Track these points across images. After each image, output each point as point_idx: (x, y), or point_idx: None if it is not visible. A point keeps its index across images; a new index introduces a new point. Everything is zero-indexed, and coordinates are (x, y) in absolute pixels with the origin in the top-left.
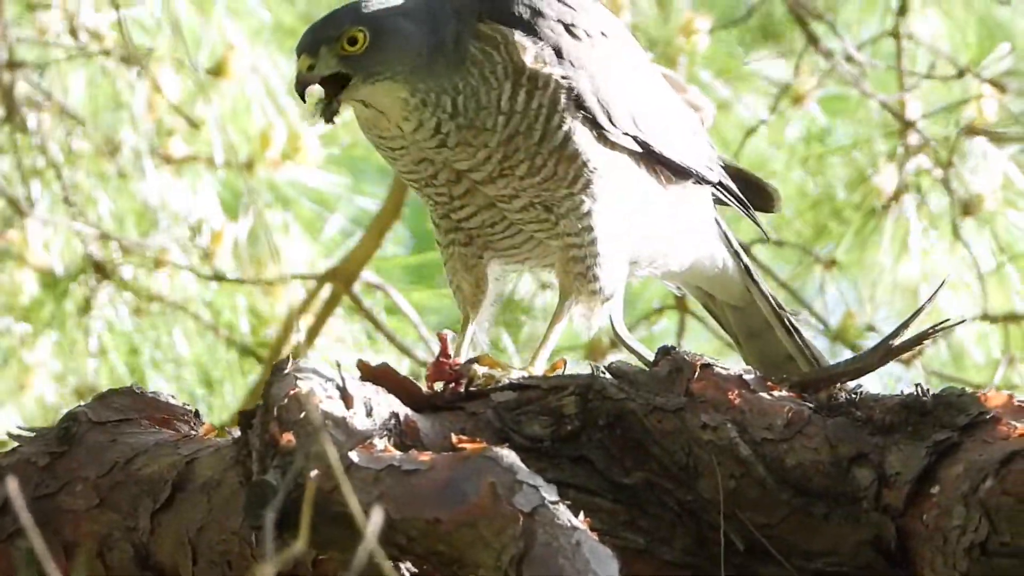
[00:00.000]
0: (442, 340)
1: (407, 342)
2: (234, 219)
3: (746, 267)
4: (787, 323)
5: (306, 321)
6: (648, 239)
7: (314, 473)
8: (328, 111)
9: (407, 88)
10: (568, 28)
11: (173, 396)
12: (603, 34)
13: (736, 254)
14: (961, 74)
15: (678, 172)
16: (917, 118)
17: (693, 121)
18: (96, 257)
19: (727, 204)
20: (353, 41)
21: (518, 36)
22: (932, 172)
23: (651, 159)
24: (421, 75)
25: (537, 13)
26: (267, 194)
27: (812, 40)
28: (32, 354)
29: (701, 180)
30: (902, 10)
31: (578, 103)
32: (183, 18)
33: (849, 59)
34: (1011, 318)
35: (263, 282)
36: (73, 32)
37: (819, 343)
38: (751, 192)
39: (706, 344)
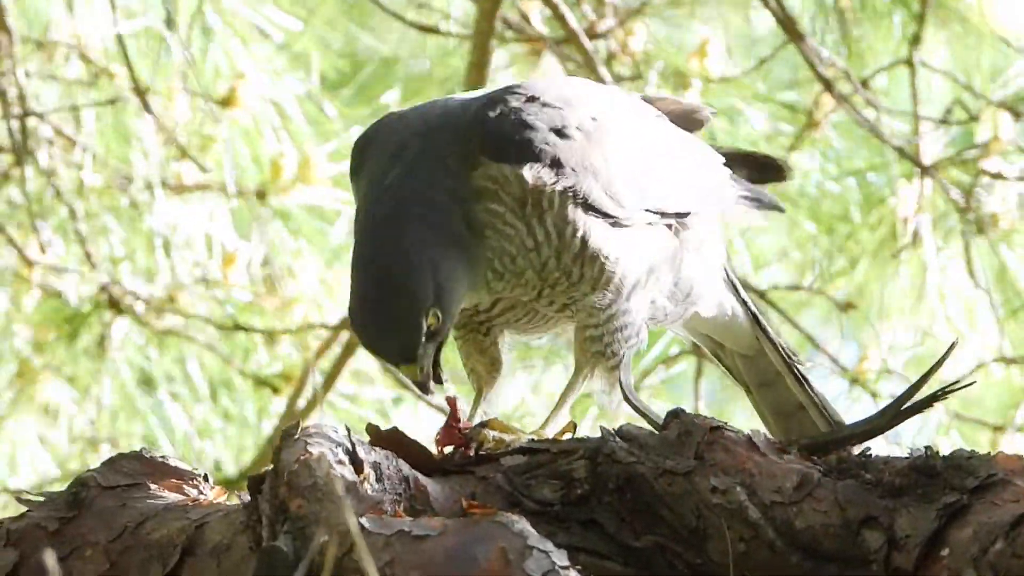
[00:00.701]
0: (451, 403)
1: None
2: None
3: (755, 315)
4: (796, 372)
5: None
6: (666, 300)
7: (324, 539)
8: (438, 378)
9: (469, 296)
10: (560, 132)
11: (185, 446)
12: (593, 119)
13: (744, 303)
14: (974, 118)
15: (690, 216)
16: (932, 162)
17: (697, 152)
18: (111, 292)
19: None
20: (431, 326)
21: (513, 170)
22: (949, 192)
23: (665, 218)
24: (472, 278)
25: (528, 129)
26: (278, 222)
27: (827, 85)
28: (47, 390)
29: (714, 209)
30: (916, 39)
31: (587, 205)
32: (190, 45)
33: (867, 103)
34: None
35: (279, 332)
36: (85, 61)
37: (836, 385)
38: (760, 170)
39: (722, 389)
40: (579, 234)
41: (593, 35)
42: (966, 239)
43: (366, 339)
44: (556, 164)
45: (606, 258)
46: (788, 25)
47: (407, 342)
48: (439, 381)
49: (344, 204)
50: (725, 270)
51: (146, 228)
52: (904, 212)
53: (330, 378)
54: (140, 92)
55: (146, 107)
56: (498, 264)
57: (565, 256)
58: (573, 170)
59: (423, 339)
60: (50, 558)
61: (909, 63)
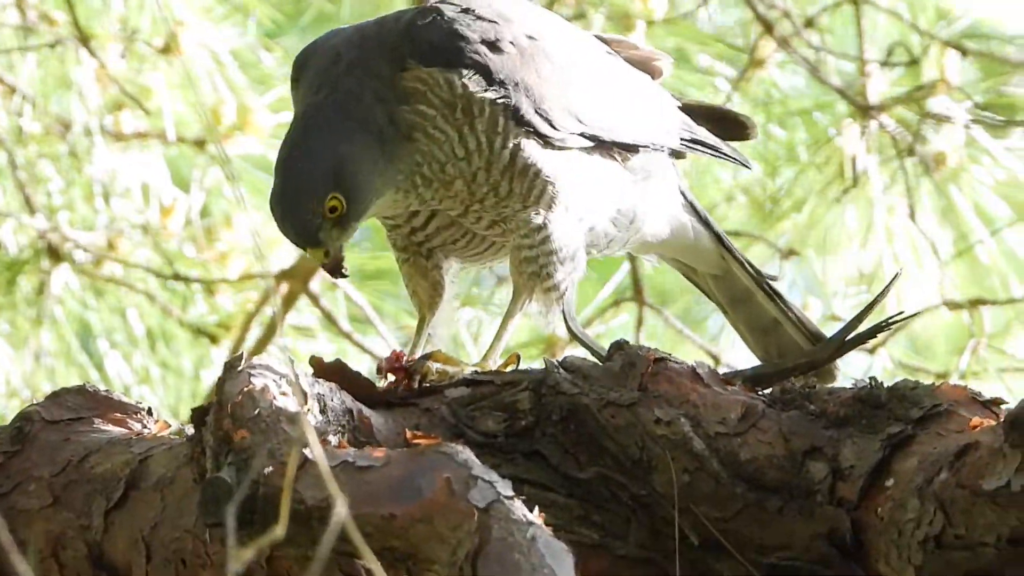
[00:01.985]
0: (396, 354)
1: (366, 340)
2: (186, 193)
3: (718, 235)
4: (766, 288)
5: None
6: (608, 222)
7: (268, 470)
8: (338, 270)
9: (388, 194)
10: (492, 45)
11: (125, 394)
12: (530, 37)
13: (706, 223)
14: (915, 61)
15: (636, 149)
16: (875, 102)
17: (645, 87)
18: (50, 240)
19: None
20: (334, 209)
21: (436, 74)
22: (896, 134)
23: (604, 146)
24: (391, 176)
25: (459, 38)
26: (217, 170)
27: (767, 27)
28: None
29: (663, 148)
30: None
31: (517, 118)
32: None
33: (807, 44)
34: (975, 303)
35: (219, 282)
36: (21, 9)
37: None
38: (723, 125)
39: (664, 337)
40: (508, 147)
41: None
42: (908, 182)
43: (280, 223)
44: (486, 74)
45: (535, 175)
46: None
47: (306, 225)
48: (340, 274)
49: None
50: (683, 194)
51: (85, 176)
52: (850, 151)
53: (269, 330)
54: (84, 38)
55: (90, 52)
56: (427, 170)
57: (495, 169)
58: (503, 83)
59: (323, 223)
60: None
61: (854, 1)
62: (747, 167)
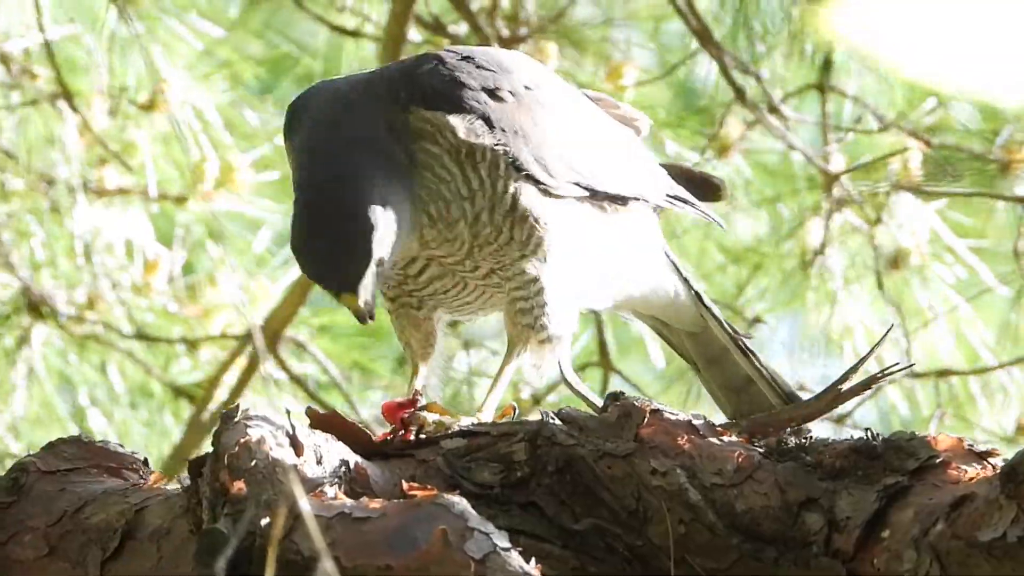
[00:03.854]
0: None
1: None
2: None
3: (697, 294)
4: (742, 346)
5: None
6: (598, 274)
7: (265, 521)
8: (370, 315)
9: (409, 243)
10: (492, 93)
11: (121, 444)
12: (527, 88)
13: (686, 281)
14: (886, 128)
15: (624, 201)
16: (841, 171)
17: (631, 143)
18: (31, 296)
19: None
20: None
21: (444, 117)
22: (859, 227)
23: (596, 197)
24: (416, 216)
25: (460, 85)
26: (200, 227)
27: (739, 94)
28: None
29: (648, 201)
30: (827, 64)
31: (516, 166)
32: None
33: (774, 110)
34: (943, 374)
35: (191, 341)
36: (6, 64)
37: None
38: (697, 187)
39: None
40: (510, 191)
41: (516, 39)
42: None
43: (312, 268)
44: (487, 121)
45: (535, 221)
46: (700, 30)
47: (356, 269)
48: (372, 316)
49: (267, 212)
50: (665, 253)
51: (67, 232)
52: (814, 243)
53: (237, 388)
54: (67, 94)
55: (73, 109)
56: (433, 209)
57: (497, 212)
58: (503, 130)
59: (361, 274)
60: None
61: (820, 88)
62: (721, 226)
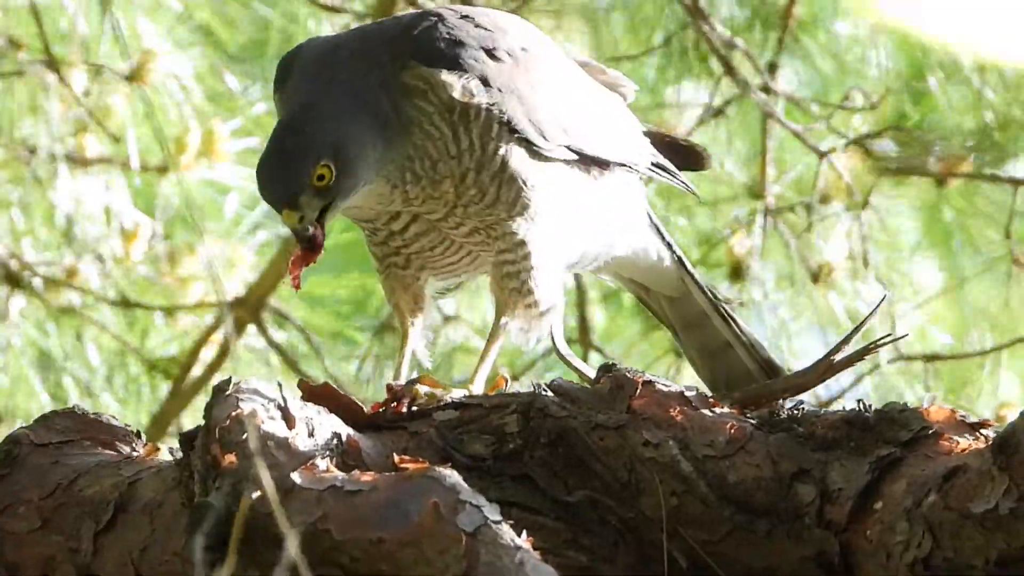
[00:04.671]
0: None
1: (312, 371)
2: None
3: (679, 258)
4: (723, 312)
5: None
6: (584, 239)
7: (255, 494)
8: (310, 243)
9: (377, 184)
10: (490, 53)
11: (114, 417)
12: (524, 49)
13: (669, 245)
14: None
15: (610, 167)
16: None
17: (619, 109)
18: (8, 267)
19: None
20: (322, 177)
21: (443, 75)
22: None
23: (584, 161)
24: (384, 163)
25: (458, 44)
26: (180, 198)
27: (728, 69)
28: None
29: (633, 168)
30: (772, 68)
31: (510, 127)
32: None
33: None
34: (931, 358)
35: (171, 309)
36: None
37: None
38: (680, 155)
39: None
40: (500, 153)
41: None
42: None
43: (258, 182)
44: (483, 80)
45: (523, 183)
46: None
47: (289, 184)
48: (319, 244)
49: (246, 181)
50: (649, 215)
51: (48, 202)
52: (740, 251)
53: (216, 361)
54: (55, 64)
55: (61, 79)
56: (419, 166)
57: (485, 173)
58: (499, 90)
59: (307, 186)
60: None
61: (766, 90)
62: (697, 196)
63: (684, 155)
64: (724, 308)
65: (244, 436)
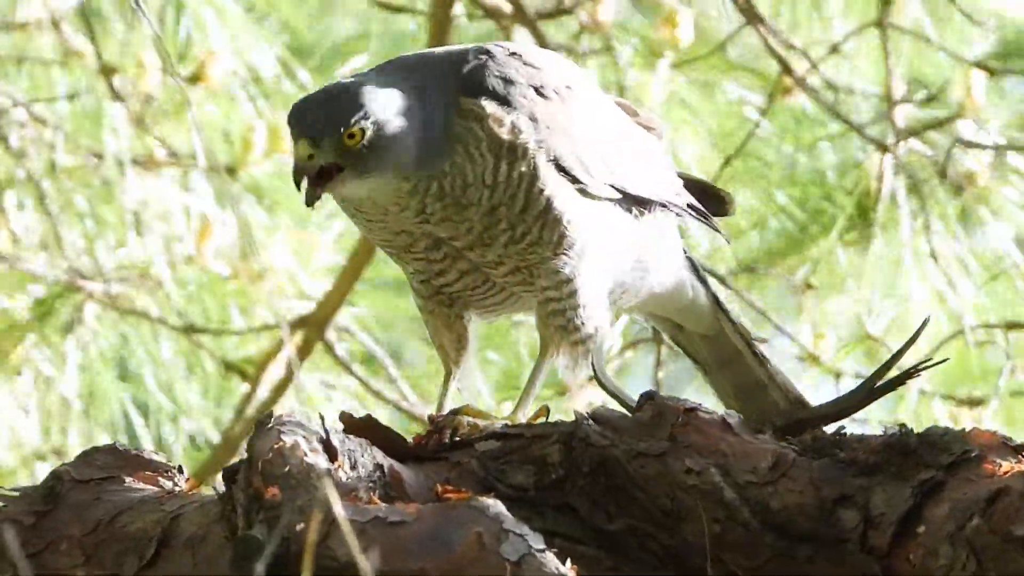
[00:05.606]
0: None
1: (380, 385)
2: (219, 222)
3: (714, 296)
4: (756, 351)
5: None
6: (624, 276)
7: (300, 527)
8: (311, 197)
9: (397, 180)
10: (539, 91)
11: (156, 452)
12: (568, 87)
13: (704, 282)
14: (933, 97)
15: (650, 205)
16: (905, 126)
17: (656, 149)
18: (82, 273)
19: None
20: (352, 136)
21: (493, 108)
22: (923, 154)
23: (626, 199)
24: (411, 167)
25: (509, 82)
26: (251, 196)
27: (786, 69)
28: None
29: (670, 207)
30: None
31: (557, 165)
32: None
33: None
34: (1012, 326)
35: (237, 332)
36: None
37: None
38: (707, 199)
39: (682, 374)
40: (546, 192)
41: (561, 11)
42: (926, 216)
43: (292, 109)
44: (532, 118)
45: (568, 221)
46: (747, 8)
47: (323, 124)
48: (311, 202)
49: None
50: (686, 254)
51: (118, 206)
52: (877, 177)
53: (284, 380)
54: (106, 73)
55: (112, 92)
56: (449, 184)
57: (529, 212)
58: (548, 127)
59: (337, 135)
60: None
61: (879, 24)
62: (728, 242)
63: (711, 199)
64: (757, 347)
65: (287, 469)
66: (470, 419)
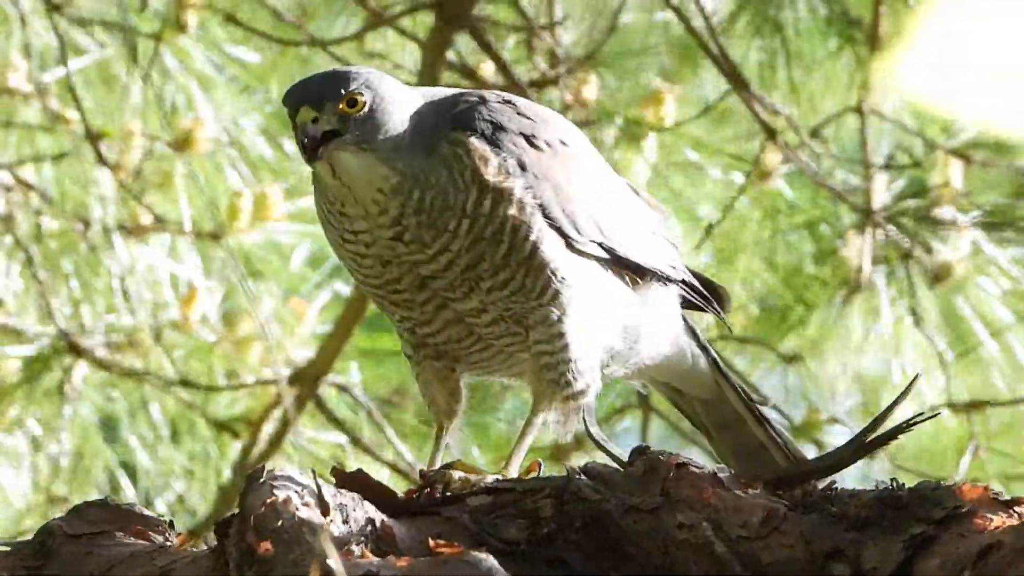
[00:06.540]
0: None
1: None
2: (205, 287)
3: (714, 360)
4: (757, 413)
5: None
6: (618, 340)
7: None
8: (313, 156)
9: (387, 167)
10: (529, 140)
11: (147, 508)
12: (563, 143)
13: (704, 348)
14: (917, 164)
15: (643, 273)
16: (879, 208)
17: (655, 223)
18: (70, 337)
19: (692, 302)
20: (353, 103)
21: (481, 146)
22: (901, 243)
23: (617, 264)
24: (402, 157)
25: (499, 127)
26: (238, 262)
27: (771, 135)
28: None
29: (666, 280)
30: (864, 85)
31: (544, 213)
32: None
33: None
34: (974, 406)
35: (232, 387)
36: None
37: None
38: (705, 293)
39: (670, 441)
40: (531, 239)
41: (545, 83)
42: (912, 290)
43: (291, 86)
44: (520, 164)
45: (553, 272)
46: (732, 74)
47: (323, 90)
48: (311, 160)
49: (302, 237)
50: (684, 318)
51: (105, 270)
52: (856, 262)
53: (278, 435)
54: (93, 139)
55: (99, 156)
56: (428, 198)
57: (513, 257)
58: (536, 176)
59: (338, 99)
60: None
61: (858, 110)
62: (728, 327)
63: (707, 291)
64: (758, 410)
65: (279, 523)
66: (461, 473)
